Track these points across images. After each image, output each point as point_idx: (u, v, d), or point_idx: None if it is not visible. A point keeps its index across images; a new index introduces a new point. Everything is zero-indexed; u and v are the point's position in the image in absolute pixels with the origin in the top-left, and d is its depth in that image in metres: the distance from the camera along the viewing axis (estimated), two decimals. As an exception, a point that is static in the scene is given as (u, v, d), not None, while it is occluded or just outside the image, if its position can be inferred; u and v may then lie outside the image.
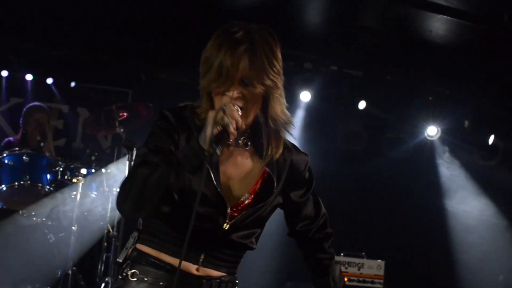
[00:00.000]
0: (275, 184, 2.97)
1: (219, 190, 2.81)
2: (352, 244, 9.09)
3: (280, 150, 3.02)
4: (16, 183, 7.44)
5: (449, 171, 10.45)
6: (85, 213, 7.73)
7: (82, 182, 7.61)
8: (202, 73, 2.85)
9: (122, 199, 2.73)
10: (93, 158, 8.01)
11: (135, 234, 3.00)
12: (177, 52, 9.31)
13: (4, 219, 7.09)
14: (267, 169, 2.96)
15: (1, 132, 9.76)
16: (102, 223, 7.86)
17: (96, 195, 7.81)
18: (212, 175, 2.81)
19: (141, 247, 2.93)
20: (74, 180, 7.63)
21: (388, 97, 10.08)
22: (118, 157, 8.29)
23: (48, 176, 7.64)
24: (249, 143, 2.97)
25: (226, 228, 2.86)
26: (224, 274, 2.96)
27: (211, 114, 2.69)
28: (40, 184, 7.53)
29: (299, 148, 3.22)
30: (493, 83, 9.58)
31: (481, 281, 9.86)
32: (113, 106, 7.66)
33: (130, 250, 2.97)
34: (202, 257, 2.88)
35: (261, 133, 2.98)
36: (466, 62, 9.00)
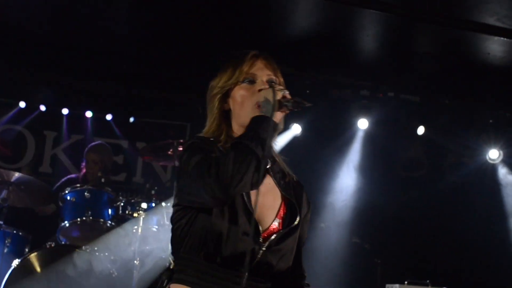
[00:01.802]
0: (298, 209, 3.01)
1: (253, 216, 2.80)
2: (415, 272, 8.95)
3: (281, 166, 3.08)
4: (79, 219, 7.51)
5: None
6: (147, 247, 7.77)
7: (143, 216, 7.65)
8: (218, 81, 3.08)
9: (209, 181, 2.66)
10: (153, 192, 8.05)
11: (167, 273, 2.97)
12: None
13: (67, 255, 7.15)
14: (287, 196, 3.00)
15: (63, 168, 9.92)
16: (163, 256, 7.89)
17: (157, 228, 7.84)
18: (246, 202, 2.82)
19: (177, 287, 2.87)
20: (135, 214, 7.68)
21: (447, 121, 9.96)
22: (178, 191, 8.32)
23: (110, 211, 7.71)
24: (269, 163, 3.01)
25: (262, 252, 2.84)
26: None
27: (263, 92, 2.84)
28: (102, 220, 7.60)
29: None
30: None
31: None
32: (172, 141, 7.74)
33: None
34: None
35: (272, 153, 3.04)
36: (526, 83, 8.87)
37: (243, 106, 2.94)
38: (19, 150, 9.97)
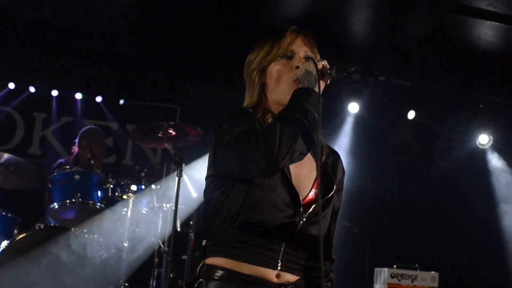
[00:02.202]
0: (334, 180, 2.99)
1: (291, 185, 2.79)
2: (405, 255, 9.00)
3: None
4: (68, 200, 7.49)
5: (503, 179, 10.30)
6: (136, 229, 7.77)
7: (133, 198, 7.64)
8: (256, 56, 3.00)
9: (264, 151, 2.59)
10: (143, 174, 8.04)
11: (200, 251, 2.91)
12: (224, 67, 9.34)
13: (56, 236, 7.13)
14: (325, 168, 2.99)
15: (52, 150, 9.90)
16: (153, 239, 7.89)
17: (146, 211, 7.84)
18: (285, 171, 2.79)
19: (213, 260, 2.81)
20: (125, 196, 7.67)
21: (437, 106, 9.97)
22: (168, 173, 8.33)
23: (99, 193, 7.68)
24: None
25: (303, 221, 2.81)
26: (298, 277, 2.89)
27: (304, 65, 2.81)
28: (91, 201, 7.58)
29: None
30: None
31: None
32: (162, 123, 7.71)
33: (200, 267, 2.85)
34: (280, 260, 2.79)
35: None
36: (517, 68, 8.88)
37: (280, 82, 2.92)
38: (8, 131, 9.93)
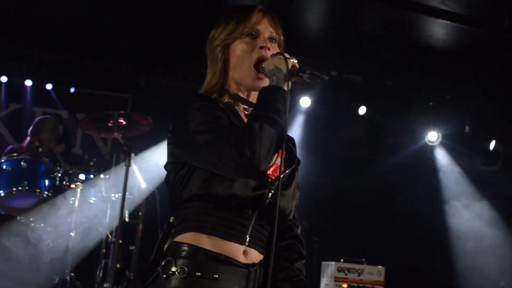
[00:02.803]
0: (295, 150, 3.01)
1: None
2: (352, 250, 9.07)
3: None
4: (14, 188, 7.39)
5: (450, 176, 10.45)
6: (84, 219, 7.69)
7: (81, 187, 7.57)
8: (220, 32, 2.97)
9: (249, 156, 2.56)
10: (91, 163, 7.96)
11: (168, 228, 2.83)
12: (176, 57, 9.30)
13: (2, 225, 7.05)
14: (286, 143, 2.93)
15: (0, 137, 9.74)
16: (100, 229, 7.83)
17: (94, 201, 7.77)
18: None
19: (181, 238, 2.75)
20: (73, 185, 7.59)
21: (388, 102, 10.07)
22: (117, 163, 8.27)
23: (47, 181, 7.59)
24: None
25: (272, 194, 2.76)
26: (262, 256, 2.85)
27: (273, 60, 2.78)
28: (38, 190, 7.49)
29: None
30: (494, 87, 9.56)
31: (482, 287, 9.83)
32: (113, 112, 7.65)
33: (167, 245, 2.77)
34: (248, 236, 2.75)
35: None
36: (467, 66, 8.99)
37: (243, 61, 2.89)
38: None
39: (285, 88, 2.71)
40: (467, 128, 10.15)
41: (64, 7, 8.44)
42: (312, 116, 9.74)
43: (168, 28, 8.73)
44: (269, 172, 2.82)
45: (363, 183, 10.27)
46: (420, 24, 8.09)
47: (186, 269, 2.67)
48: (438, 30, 8.08)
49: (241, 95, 2.95)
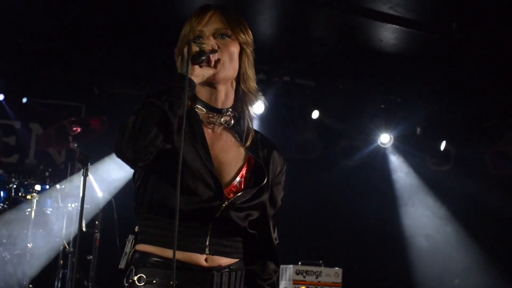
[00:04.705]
0: (266, 172, 2.92)
1: (211, 170, 2.75)
2: (309, 252, 9.14)
3: (246, 127, 2.97)
4: (-31, 201, 7.35)
5: (403, 177, 10.58)
6: (40, 230, 7.65)
7: (37, 198, 7.53)
8: (180, 41, 2.93)
9: (118, 140, 2.59)
10: (47, 174, 7.93)
11: (131, 237, 2.86)
12: (130, 65, 9.28)
13: (-43, 238, 6.99)
14: (253, 156, 2.92)
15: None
16: (57, 239, 7.79)
17: (51, 211, 7.74)
18: (203, 156, 2.76)
19: (142, 247, 2.79)
20: (29, 196, 7.54)
21: (340, 106, 10.16)
22: (72, 172, 8.24)
23: (1, 193, 7.55)
24: (232, 122, 2.94)
25: (224, 207, 2.76)
26: (233, 260, 2.86)
27: (185, 48, 2.72)
28: (-7, 202, 7.44)
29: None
30: (444, 90, 9.72)
31: (437, 286, 9.98)
32: (65, 121, 7.61)
33: (131, 254, 2.81)
34: (207, 244, 2.76)
35: (244, 114, 2.97)
36: (417, 70, 9.13)
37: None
38: None
39: (186, 73, 2.67)
40: (418, 129, 10.30)
41: (14, 16, 8.38)
42: (265, 121, 9.78)
43: (121, 35, 8.72)
44: (230, 185, 2.84)
45: (318, 186, 10.35)
46: (370, 29, 8.19)
47: (144, 277, 2.73)
48: (388, 34, 8.20)
49: (200, 97, 2.93)
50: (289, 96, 9.90)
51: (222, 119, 2.92)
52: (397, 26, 7.88)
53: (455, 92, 9.71)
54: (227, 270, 2.82)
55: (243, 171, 2.90)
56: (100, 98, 9.88)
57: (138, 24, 8.34)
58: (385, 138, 10.23)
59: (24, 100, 9.75)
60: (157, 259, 2.74)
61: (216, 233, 2.79)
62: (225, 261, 2.83)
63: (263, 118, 9.74)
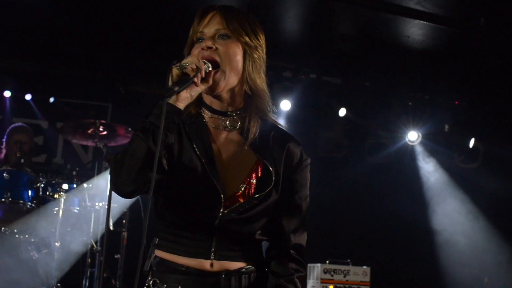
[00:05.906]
0: (273, 177, 2.86)
1: (213, 179, 2.76)
2: (337, 251, 9.10)
3: (255, 129, 2.91)
4: (-3, 200, 7.39)
5: (431, 175, 10.50)
6: (68, 229, 7.69)
7: (64, 197, 7.57)
8: (186, 52, 2.90)
9: (111, 174, 2.70)
10: (74, 173, 7.96)
11: (155, 240, 2.91)
12: (156, 64, 9.28)
13: (-14, 237, 7.03)
14: (263, 161, 2.87)
15: (-19, 149, 9.70)
16: (85, 238, 7.82)
17: (78, 210, 7.77)
18: (206, 165, 2.78)
19: (158, 253, 2.87)
20: (56, 196, 7.59)
21: (367, 103, 10.09)
22: (99, 171, 8.27)
23: (30, 192, 7.59)
24: (239, 125, 2.92)
25: (222, 216, 2.77)
26: (243, 264, 2.86)
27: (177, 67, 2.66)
28: (21, 201, 7.48)
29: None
30: (472, 86, 9.63)
31: (467, 284, 9.89)
32: (94, 120, 7.67)
33: (152, 257, 2.89)
34: (213, 250, 2.79)
35: (251, 116, 2.94)
36: (444, 66, 9.05)
37: None
38: None
39: (168, 99, 2.64)
40: (446, 127, 10.20)
41: (40, 17, 8.42)
42: (292, 119, 9.74)
43: (147, 35, 8.74)
44: (235, 194, 2.83)
45: (345, 184, 10.30)
46: (397, 25, 8.13)
47: (157, 281, 2.84)
48: (415, 30, 8.13)
49: (205, 101, 2.94)
50: (315, 93, 9.86)
51: (228, 122, 2.91)
52: (424, 22, 7.81)
53: (483, 88, 9.62)
54: (236, 274, 2.84)
55: (250, 176, 2.86)
56: (126, 98, 9.90)
57: (164, 23, 8.34)
58: (412, 136, 10.15)
59: (51, 100, 9.80)
60: (168, 264, 2.83)
61: (222, 239, 2.82)
62: (233, 265, 2.85)
63: (289, 115, 9.71)
